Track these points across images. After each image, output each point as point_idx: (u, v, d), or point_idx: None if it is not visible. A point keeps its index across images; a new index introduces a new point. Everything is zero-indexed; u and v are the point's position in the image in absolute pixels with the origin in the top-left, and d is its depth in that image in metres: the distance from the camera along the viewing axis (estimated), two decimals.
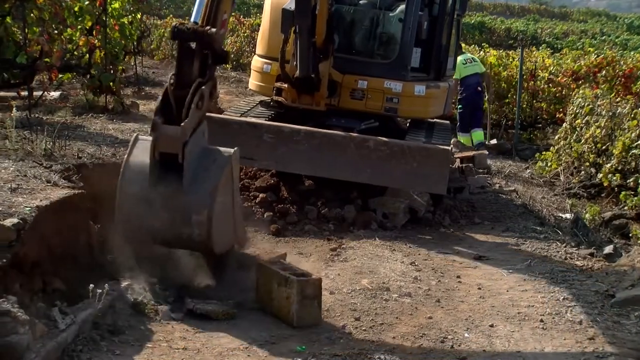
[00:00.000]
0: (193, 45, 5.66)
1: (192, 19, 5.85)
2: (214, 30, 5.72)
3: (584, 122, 11.85)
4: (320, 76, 8.79)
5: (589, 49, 21.41)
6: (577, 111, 12.27)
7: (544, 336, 5.62)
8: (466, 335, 5.61)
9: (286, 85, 8.97)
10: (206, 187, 5.61)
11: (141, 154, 5.63)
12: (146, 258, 6.30)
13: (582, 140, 11.65)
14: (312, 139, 8.64)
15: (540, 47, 22.54)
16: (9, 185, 5.55)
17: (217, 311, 5.74)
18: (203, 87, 5.69)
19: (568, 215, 9.89)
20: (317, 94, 8.92)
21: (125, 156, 5.72)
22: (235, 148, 5.96)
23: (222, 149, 5.90)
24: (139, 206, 5.55)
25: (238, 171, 6.19)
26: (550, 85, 16.24)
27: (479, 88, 14.61)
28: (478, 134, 14.58)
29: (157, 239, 5.70)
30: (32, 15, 9.05)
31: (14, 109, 7.78)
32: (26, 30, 8.99)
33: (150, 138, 5.59)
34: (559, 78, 16.20)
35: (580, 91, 13.09)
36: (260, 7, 28.39)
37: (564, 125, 12.86)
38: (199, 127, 5.72)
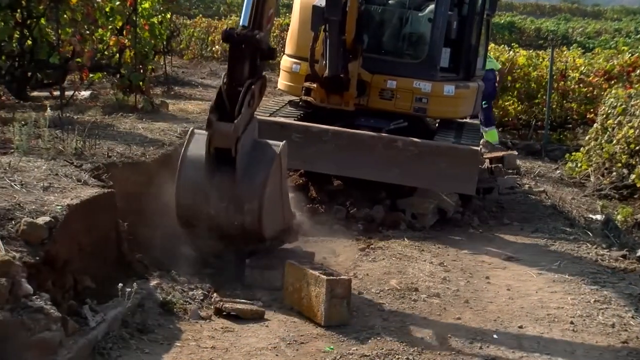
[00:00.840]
0: (243, 47, 6.09)
1: (240, 23, 6.24)
2: (261, 34, 6.18)
3: (616, 122, 11.69)
4: (349, 76, 8.77)
5: (623, 47, 21.10)
6: (609, 111, 12.11)
7: (575, 339, 5.57)
8: (495, 336, 5.57)
9: (315, 85, 8.97)
10: (257, 178, 6.12)
11: (197, 147, 6.14)
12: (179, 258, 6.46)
13: (614, 141, 11.50)
14: (341, 139, 8.63)
15: (571, 47, 22.32)
16: (42, 184, 5.60)
17: (246, 310, 5.75)
18: (253, 86, 6.16)
19: (599, 217, 9.78)
20: (346, 94, 8.90)
21: (182, 149, 6.26)
22: (284, 142, 6.47)
23: (271, 142, 6.40)
24: (195, 196, 6.12)
25: (286, 163, 6.56)
26: (581, 85, 16.06)
27: (496, 84, 14.54)
28: (492, 134, 14.38)
29: (212, 226, 6.18)
30: (65, 16, 9.14)
31: (47, 108, 7.85)
32: (59, 31, 9.08)
33: (205, 132, 6.09)
34: (591, 78, 16.02)
35: (613, 91, 12.92)
36: (289, 6, 28.48)
37: (595, 125, 12.71)
38: (250, 124, 6.20)
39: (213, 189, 6.07)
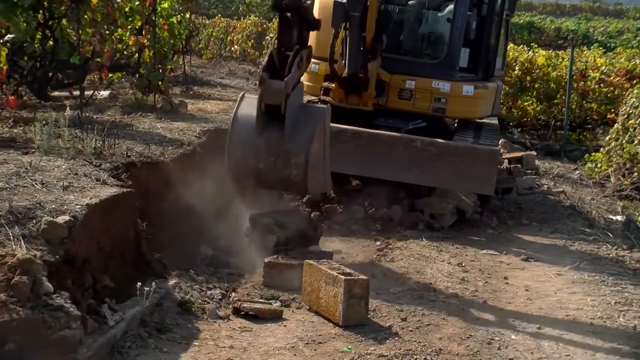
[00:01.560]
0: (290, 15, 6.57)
1: None
2: (308, 2, 6.66)
3: (637, 122, 11.60)
4: (368, 75, 8.76)
5: None
6: (630, 111, 12.00)
7: (595, 340, 5.53)
8: (513, 337, 5.55)
9: (334, 85, 8.97)
10: (304, 134, 6.56)
11: (247, 107, 6.63)
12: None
13: (636, 141, 11.41)
14: (359, 139, 8.63)
15: (592, 47, 22.16)
16: (61, 184, 5.64)
17: (264, 310, 5.76)
18: (302, 51, 6.64)
19: (619, 218, 9.71)
20: (364, 94, 8.89)
21: (234, 110, 6.76)
22: (328, 105, 7.16)
23: (316, 105, 7.01)
24: (246, 152, 6.58)
25: (329, 125, 6.97)
26: (602, 85, 15.96)
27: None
28: None
29: (261, 180, 6.71)
30: (85, 16, 9.19)
31: (67, 108, 7.90)
32: (79, 32, 9.14)
33: (254, 95, 6.63)
34: (612, 78, 15.90)
35: (635, 91, 12.80)
36: None
37: (616, 125, 12.61)
38: (297, 85, 6.65)
39: (262, 144, 6.51)
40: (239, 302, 5.79)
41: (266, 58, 6.70)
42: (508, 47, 16.07)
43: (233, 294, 6.10)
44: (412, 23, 9.67)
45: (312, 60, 9.57)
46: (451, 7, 9.32)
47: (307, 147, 6.54)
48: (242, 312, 5.69)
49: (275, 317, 5.72)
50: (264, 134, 6.52)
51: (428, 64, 9.41)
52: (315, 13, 9.78)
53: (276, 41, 6.84)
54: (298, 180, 6.57)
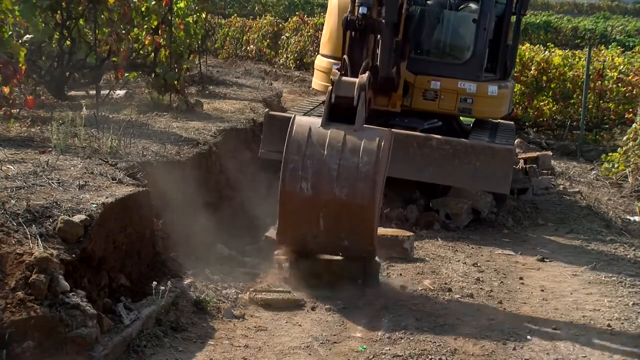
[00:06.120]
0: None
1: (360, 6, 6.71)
2: (381, 21, 6.96)
3: None
4: (398, 77, 8.75)
5: None
6: None
7: (612, 342, 5.50)
8: (529, 337, 5.53)
9: None
10: (376, 130, 6.18)
11: (302, 122, 6.17)
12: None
13: None
14: None
15: (610, 46, 22.00)
16: (77, 182, 5.67)
17: (279, 300, 5.78)
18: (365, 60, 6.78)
19: (637, 218, 9.65)
20: (394, 95, 8.90)
21: (288, 129, 6.06)
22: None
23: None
24: (309, 139, 5.99)
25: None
26: (620, 84, 15.85)
27: None
28: None
29: (323, 170, 5.92)
30: (102, 16, 9.23)
31: (84, 107, 7.94)
32: (96, 31, 9.18)
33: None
34: (630, 77, 15.78)
35: None
36: (324, 6, 28.45)
37: (634, 125, 12.50)
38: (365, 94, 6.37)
39: (329, 135, 6.01)
40: (254, 293, 5.80)
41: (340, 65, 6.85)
42: (524, 47, 16.06)
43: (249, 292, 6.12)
44: (434, 23, 9.64)
45: (333, 61, 9.59)
46: (473, 6, 9.32)
47: (380, 137, 6.04)
48: (258, 303, 5.73)
49: (292, 306, 5.73)
50: (331, 125, 6.07)
51: (453, 65, 9.41)
52: (333, 13, 9.83)
53: (346, 58, 6.78)
54: (367, 169, 5.88)
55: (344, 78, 6.34)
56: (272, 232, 6.96)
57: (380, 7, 7.37)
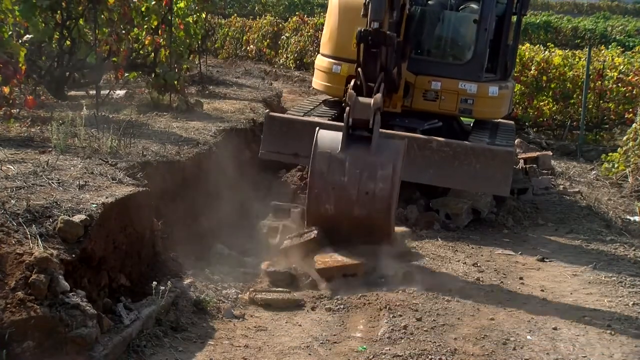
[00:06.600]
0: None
1: (371, 18, 7.02)
2: (394, 34, 7.16)
3: None
4: (399, 78, 8.75)
5: None
6: None
7: (612, 342, 5.50)
8: (529, 337, 5.53)
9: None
10: (391, 150, 6.72)
11: (326, 135, 6.83)
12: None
13: None
14: None
15: (610, 46, 21.99)
16: (77, 182, 5.67)
17: (279, 299, 5.78)
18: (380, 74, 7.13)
19: (637, 218, 9.65)
20: (394, 96, 8.89)
21: (314, 142, 6.75)
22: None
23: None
24: (330, 167, 6.64)
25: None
26: (620, 84, 15.84)
27: None
28: None
29: (343, 195, 6.65)
30: (102, 16, 9.23)
31: (84, 107, 7.94)
32: (96, 31, 9.18)
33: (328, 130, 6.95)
34: (630, 77, 15.77)
35: None
36: (324, 6, 28.43)
37: (634, 125, 12.49)
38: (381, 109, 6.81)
39: (348, 158, 6.63)
40: (254, 293, 5.80)
41: (352, 83, 7.16)
42: (524, 47, 16.05)
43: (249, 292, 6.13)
44: (435, 24, 9.63)
45: (334, 61, 9.59)
46: (474, 7, 9.31)
47: (395, 160, 6.62)
48: (258, 304, 5.72)
49: (291, 306, 5.72)
50: (349, 149, 6.64)
51: (454, 65, 9.41)
52: (334, 13, 9.82)
53: (360, 70, 7.14)
54: (383, 194, 6.58)
55: (360, 99, 6.73)
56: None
57: (392, 10, 7.51)
